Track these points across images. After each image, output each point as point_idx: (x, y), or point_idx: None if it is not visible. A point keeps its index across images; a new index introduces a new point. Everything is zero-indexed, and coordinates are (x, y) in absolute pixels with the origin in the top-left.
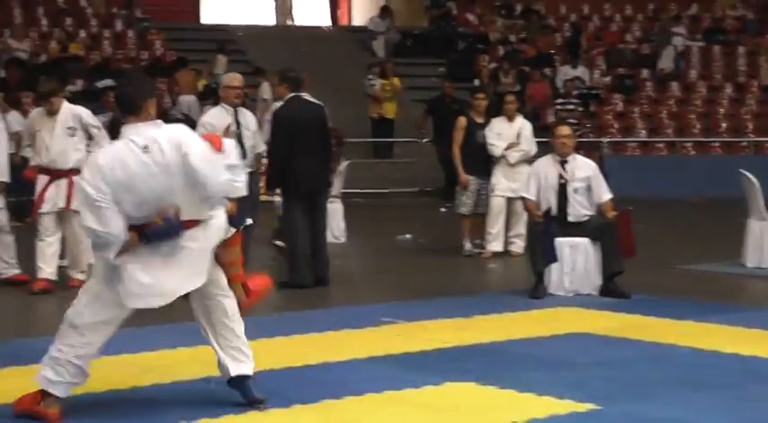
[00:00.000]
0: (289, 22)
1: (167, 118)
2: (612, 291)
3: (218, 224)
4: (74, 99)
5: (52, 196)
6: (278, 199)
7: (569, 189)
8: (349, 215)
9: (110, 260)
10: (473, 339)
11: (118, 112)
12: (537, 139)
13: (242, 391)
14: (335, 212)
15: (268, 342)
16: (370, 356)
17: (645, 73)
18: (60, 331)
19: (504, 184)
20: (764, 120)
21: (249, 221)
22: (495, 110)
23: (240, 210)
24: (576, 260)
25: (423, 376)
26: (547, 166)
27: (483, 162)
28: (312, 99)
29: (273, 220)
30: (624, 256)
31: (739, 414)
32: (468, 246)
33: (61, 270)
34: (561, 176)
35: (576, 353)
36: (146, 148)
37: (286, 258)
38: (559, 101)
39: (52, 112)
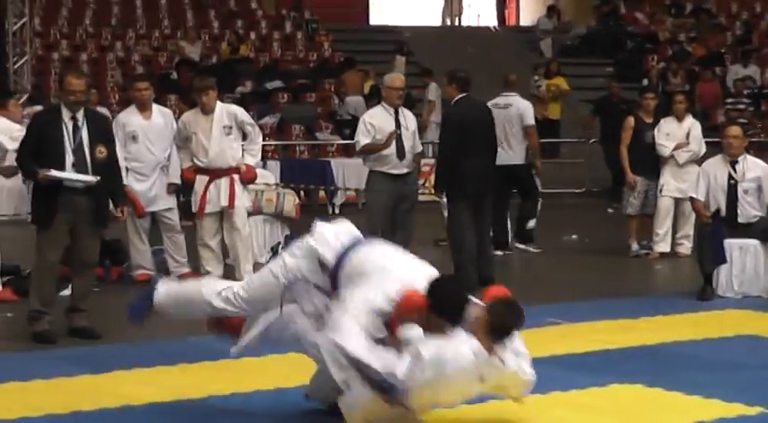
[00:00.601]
0: (455, 23)
1: (335, 118)
2: None
3: None
4: (243, 100)
5: (213, 197)
6: (445, 199)
7: (739, 190)
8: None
9: None
10: (639, 341)
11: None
12: (706, 140)
13: None
14: None
15: None
16: (535, 357)
17: None
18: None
19: (672, 184)
20: None
21: None
22: (664, 110)
23: None
24: (746, 262)
25: (588, 378)
26: (716, 167)
27: (651, 162)
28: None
29: (439, 219)
30: None
31: None
32: (634, 246)
33: (228, 268)
34: (731, 177)
35: (745, 355)
36: None
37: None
38: (730, 100)
39: (207, 112)
